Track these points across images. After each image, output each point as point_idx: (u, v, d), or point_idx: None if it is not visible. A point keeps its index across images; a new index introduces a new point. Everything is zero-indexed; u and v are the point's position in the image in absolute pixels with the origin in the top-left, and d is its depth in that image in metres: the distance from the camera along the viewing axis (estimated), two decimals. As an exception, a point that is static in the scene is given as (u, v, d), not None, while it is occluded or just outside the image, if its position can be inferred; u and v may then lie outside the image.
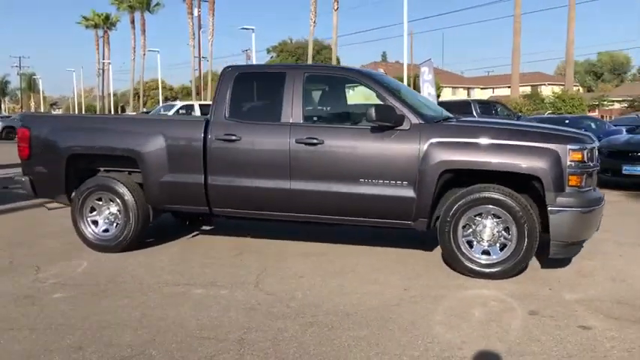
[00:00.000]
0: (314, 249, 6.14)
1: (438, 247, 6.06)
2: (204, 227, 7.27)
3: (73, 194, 6.14)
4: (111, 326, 3.99)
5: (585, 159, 4.88)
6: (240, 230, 6.92)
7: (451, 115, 5.88)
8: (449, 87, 66.94)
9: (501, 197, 4.94)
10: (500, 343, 3.66)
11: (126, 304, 4.45)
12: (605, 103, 49.41)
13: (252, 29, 39.94)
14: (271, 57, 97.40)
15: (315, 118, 5.60)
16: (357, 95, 6.40)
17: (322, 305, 4.39)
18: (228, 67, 5.92)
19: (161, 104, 59.29)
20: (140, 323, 4.05)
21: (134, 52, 62.73)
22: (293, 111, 5.48)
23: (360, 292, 4.72)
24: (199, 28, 53.72)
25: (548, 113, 27.52)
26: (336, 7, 32.51)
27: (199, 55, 54.74)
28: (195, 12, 51.11)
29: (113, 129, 5.99)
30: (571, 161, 4.82)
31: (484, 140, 5.02)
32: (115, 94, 73.80)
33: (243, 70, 5.97)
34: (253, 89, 5.93)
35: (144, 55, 60.14)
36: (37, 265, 5.57)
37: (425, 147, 5.06)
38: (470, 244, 5.11)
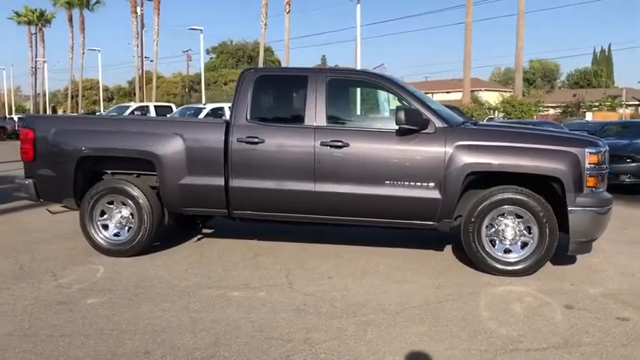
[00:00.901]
0: (326, 250, 6.21)
1: (448, 246, 6.34)
2: (206, 231, 7.21)
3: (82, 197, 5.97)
4: (166, 330, 3.94)
5: (600, 162, 5.19)
6: (243, 233, 6.90)
7: (465, 119, 6.10)
8: (392, 91, 67.92)
9: (524, 198, 5.17)
10: (553, 336, 3.86)
11: (168, 308, 4.39)
12: (541, 108, 51.62)
13: (201, 30, 39.50)
14: (210, 58, 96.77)
15: (338, 121, 5.66)
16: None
17: (367, 305, 4.48)
18: (248, 69, 5.93)
19: (102, 106, 57.59)
20: (195, 326, 4.01)
21: (72, 50, 60.64)
22: (317, 114, 5.54)
23: (396, 291, 4.84)
24: (142, 27, 52.46)
25: (489, 118, 28.54)
26: (287, 10, 32.60)
27: (142, 55, 53.42)
28: (139, 10, 49.82)
29: (130, 131, 5.86)
30: (589, 164, 5.11)
31: (508, 143, 5.26)
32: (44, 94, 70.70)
33: (264, 73, 5.99)
34: (274, 92, 5.94)
35: (83, 54, 58.24)
36: (52, 271, 5.39)
37: (451, 150, 5.24)
38: (492, 243, 5.32)
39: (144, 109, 22.13)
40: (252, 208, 5.74)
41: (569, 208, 5.09)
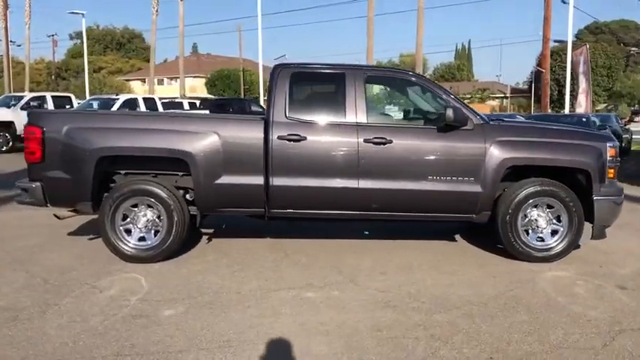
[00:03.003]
0: (350, 246, 6.24)
1: (458, 236, 6.67)
2: (205, 230, 6.91)
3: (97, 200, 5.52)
4: (293, 337, 3.81)
5: (616, 155, 5.74)
6: (247, 231, 6.75)
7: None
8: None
9: (556, 189, 5.59)
10: (638, 317, 4.26)
11: (260, 314, 4.23)
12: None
13: (83, 14, 37.00)
14: (75, 43, 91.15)
15: (378, 118, 5.70)
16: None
17: (449, 297, 4.62)
18: (280, 65, 5.77)
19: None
20: (309, 332, 3.92)
21: None
22: (357, 111, 5.56)
23: (460, 283, 5.02)
24: (6, 7, 47.88)
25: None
26: (182, -3, 31.42)
27: (7, 38, 48.73)
28: (3, -10, 45.33)
29: (161, 128, 5.47)
30: (610, 157, 5.64)
31: (542, 139, 5.65)
32: None
33: (299, 69, 5.83)
34: (311, 88, 5.86)
35: None
36: (87, 283, 4.94)
37: (490, 145, 5.50)
38: (526, 232, 5.69)
39: (40, 100, 20.27)
40: (292, 207, 5.63)
41: (594, 198, 5.58)
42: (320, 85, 5.96)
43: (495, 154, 5.50)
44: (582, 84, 23.33)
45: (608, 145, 5.67)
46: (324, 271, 5.32)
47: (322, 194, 5.55)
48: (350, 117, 5.56)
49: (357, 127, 5.51)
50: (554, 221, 5.69)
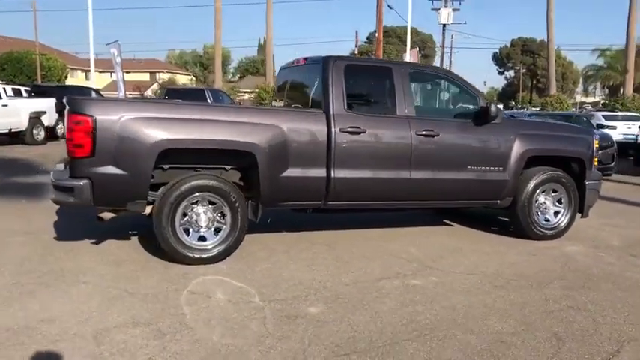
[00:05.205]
0: (376, 235, 6.46)
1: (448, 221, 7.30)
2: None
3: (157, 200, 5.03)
4: (465, 318, 4.00)
5: (598, 145, 6.83)
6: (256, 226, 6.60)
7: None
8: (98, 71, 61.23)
9: (560, 175, 6.46)
10: (674, 276, 5.25)
11: (398, 306, 4.33)
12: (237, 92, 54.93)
13: None
14: None
15: (423, 112, 6.01)
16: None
17: (526, 275, 5.15)
18: (333, 57, 5.73)
19: None
20: (471, 313, 4.15)
21: None
22: (406, 105, 5.82)
23: (517, 263, 5.58)
24: None
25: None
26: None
27: None
28: None
29: (226, 120, 5.11)
30: (595, 147, 6.69)
31: (553, 133, 6.51)
32: None
33: (350, 62, 5.85)
34: (362, 82, 5.90)
35: None
36: (177, 289, 4.50)
37: (515, 138, 6.17)
38: (537, 214, 6.48)
39: None
40: (349, 198, 5.69)
41: (586, 182, 6.59)
42: (369, 79, 6.05)
43: (520, 146, 6.18)
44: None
45: (594, 137, 6.71)
46: (391, 260, 5.50)
47: (379, 185, 5.71)
48: (401, 110, 5.79)
49: (409, 121, 5.77)
50: (556, 203, 6.57)
